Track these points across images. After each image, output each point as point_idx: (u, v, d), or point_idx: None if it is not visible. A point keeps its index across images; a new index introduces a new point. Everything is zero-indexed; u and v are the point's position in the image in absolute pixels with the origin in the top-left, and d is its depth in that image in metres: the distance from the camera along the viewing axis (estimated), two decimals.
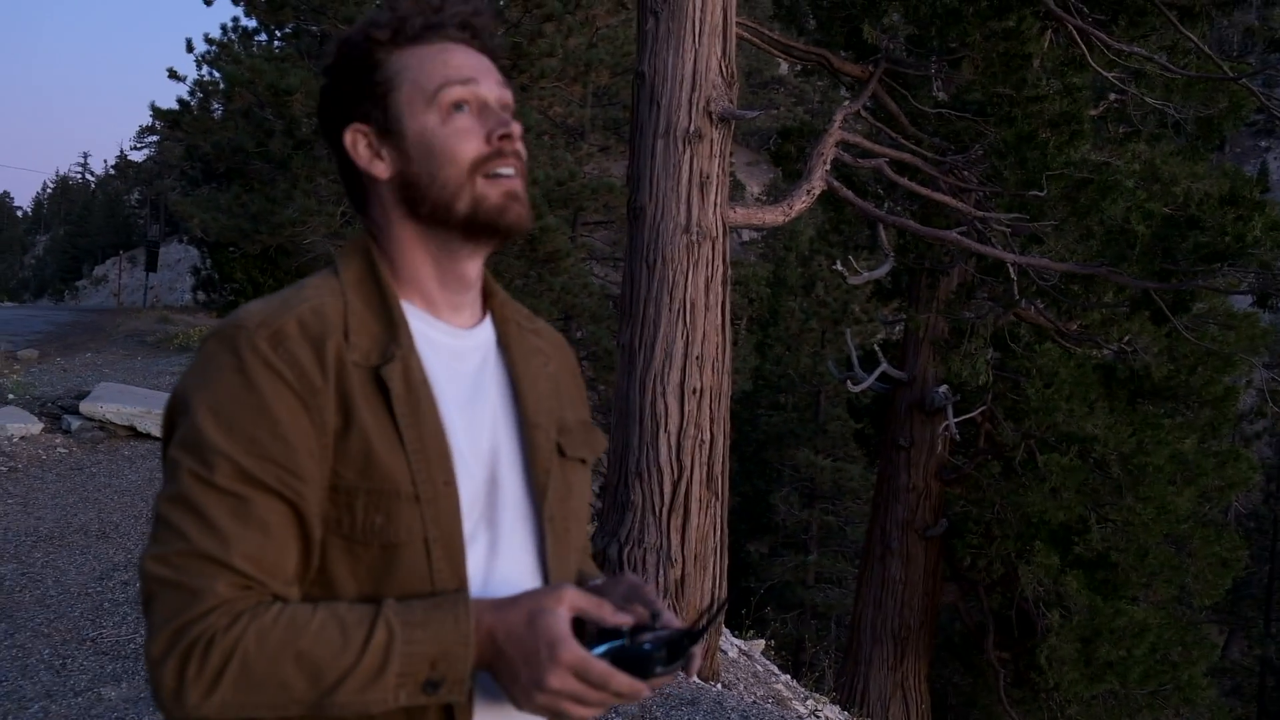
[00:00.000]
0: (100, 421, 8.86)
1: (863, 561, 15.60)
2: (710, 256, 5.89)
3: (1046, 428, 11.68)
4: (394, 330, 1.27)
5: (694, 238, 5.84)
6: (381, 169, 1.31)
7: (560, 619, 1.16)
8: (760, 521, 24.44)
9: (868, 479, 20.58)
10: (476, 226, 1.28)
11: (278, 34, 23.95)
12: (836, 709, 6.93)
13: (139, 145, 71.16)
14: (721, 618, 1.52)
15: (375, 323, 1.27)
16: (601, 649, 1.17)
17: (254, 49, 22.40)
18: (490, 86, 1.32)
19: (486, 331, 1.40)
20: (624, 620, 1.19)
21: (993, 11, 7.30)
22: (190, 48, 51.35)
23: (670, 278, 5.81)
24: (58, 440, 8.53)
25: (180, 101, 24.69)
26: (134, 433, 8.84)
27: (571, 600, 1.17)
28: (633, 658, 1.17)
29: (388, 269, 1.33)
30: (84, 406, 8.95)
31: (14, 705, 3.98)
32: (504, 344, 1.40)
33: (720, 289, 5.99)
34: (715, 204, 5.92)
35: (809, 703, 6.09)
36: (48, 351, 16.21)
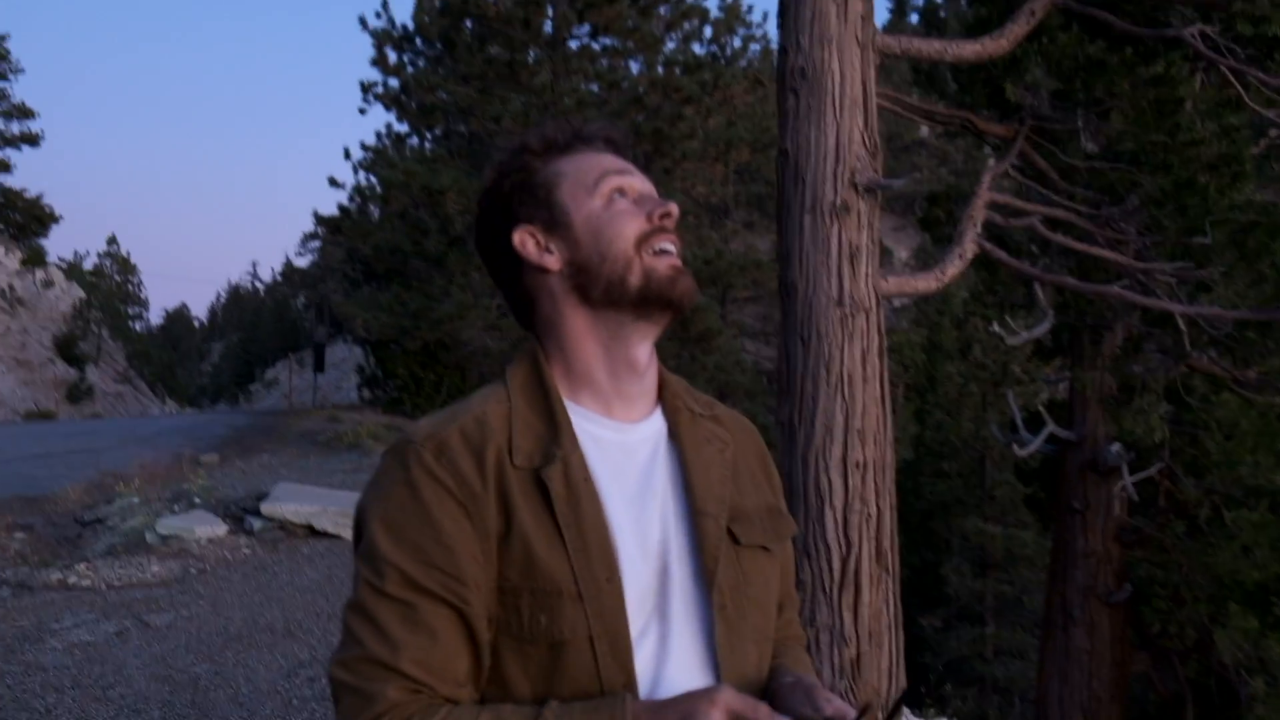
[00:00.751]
0: (280, 521, 9.18)
1: (1044, 632, 15.03)
2: (865, 328, 5.84)
3: (1232, 482, 11.15)
4: (556, 431, 1.30)
5: (847, 310, 5.81)
6: (552, 261, 1.37)
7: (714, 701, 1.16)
8: (932, 594, 23.78)
9: (1042, 545, 19.89)
10: (649, 300, 1.32)
11: (428, 136, 24.82)
12: None
13: (303, 251, 74.15)
14: (900, 715, 1.41)
15: (539, 425, 1.31)
16: None
17: (407, 152, 23.22)
18: (642, 180, 1.40)
19: (657, 423, 1.40)
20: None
21: (1139, 59, 7.15)
22: (348, 155, 53.45)
23: (826, 352, 5.77)
24: (241, 541, 8.86)
25: (340, 207, 25.77)
26: (311, 531, 9.12)
27: (726, 702, 1.15)
28: None
29: (558, 370, 1.37)
30: (264, 507, 9.29)
31: None
32: (674, 434, 1.39)
33: (877, 360, 5.93)
34: (866, 275, 5.89)
35: None
36: (227, 455, 16.87)
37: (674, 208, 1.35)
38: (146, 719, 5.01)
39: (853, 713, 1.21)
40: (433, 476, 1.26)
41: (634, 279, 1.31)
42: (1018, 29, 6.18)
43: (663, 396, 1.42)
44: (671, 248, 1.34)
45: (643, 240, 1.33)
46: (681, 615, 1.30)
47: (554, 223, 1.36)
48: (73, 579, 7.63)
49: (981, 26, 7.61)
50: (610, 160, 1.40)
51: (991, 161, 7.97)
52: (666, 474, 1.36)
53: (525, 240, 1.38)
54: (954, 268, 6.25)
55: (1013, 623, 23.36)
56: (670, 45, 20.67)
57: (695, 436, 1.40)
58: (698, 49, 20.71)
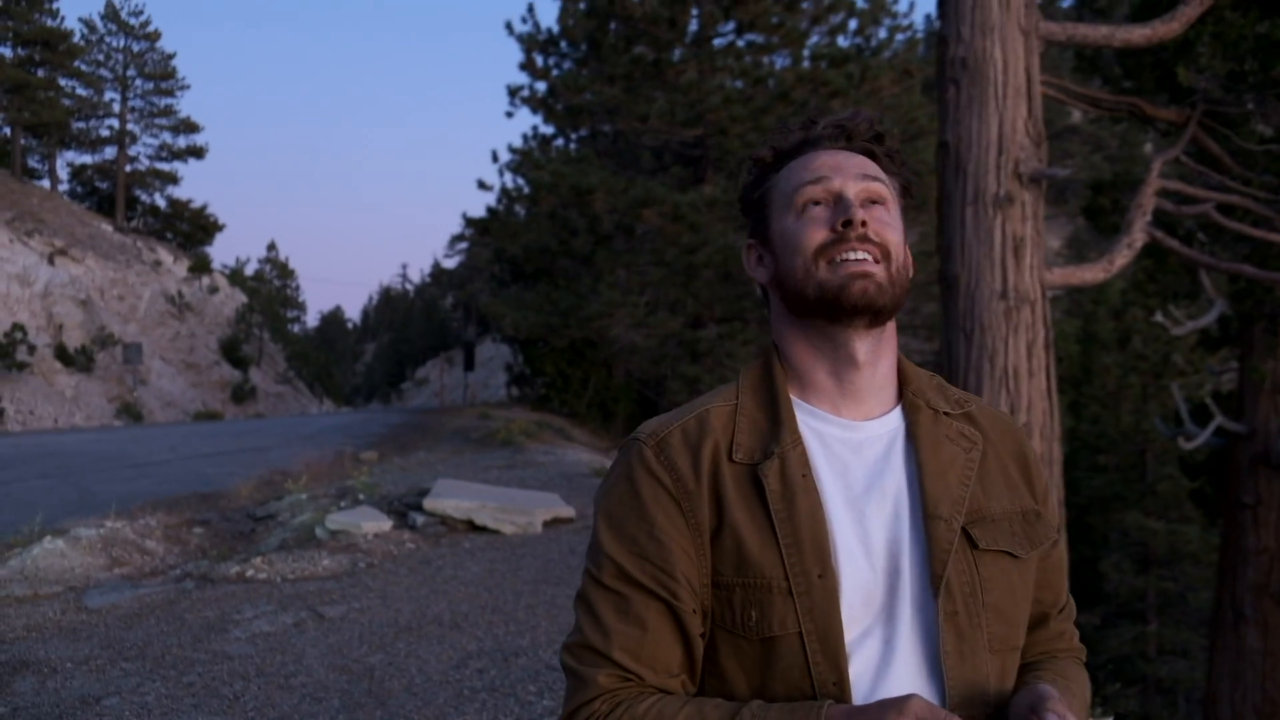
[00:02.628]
0: (441, 516, 9.38)
1: (1213, 631, 14.50)
2: (1030, 321, 5.73)
3: None
4: (778, 428, 1.32)
5: (1011, 303, 5.70)
6: (762, 274, 1.43)
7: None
8: (1090, 591, 23.15)
9: (1208, 541, 19.20)
10: (827, 308, 1.31)
11: (574, 138, 25.08)
12: None
13: (451, 253, 75.65)
14: None
15: (764, 422, 1.34)
16: None
17: (553, 154, 23.49)
18: (849, 181, 1.36)
19: (893, 422, 1.37)
20: None
21: None
22: (495, 158, 54.36)
23: (990, 345, 5.67)
24: (405, 536, 9.07)
25: (489, 209, 26.22)
26: (471, 526, 9.29)
27: (915, 710, 1.13)
28: None
29: (787, 371, 1.39)
30: (427, 503, 9.49)
31: None
32: (911, 433, 1.36)
33: (1043, 353, 5.80)
34: (1031, 267, 5.77)
35: None
36: (385, 452, 17.33)
37: (856, 214, 1.31)
38: (328, 707, 5.17)
39: None
40: (650, 473, 1.32)
41: (810, 290, 1.32)
42: (1190, 11, 5.97)
43: (903, 394, 1.40)
44: (854, 255, 1.30)
45: (820, 251, 1.32)
46: (909, 620, 1.28)
47: (766, 238, 1.41)
48: (250, 572, 7.92)
49: (1150, 10, 7.36)
50: (820, 161, 1.38)
51: (1149, 149, 7.69)
52: (900, 474, 1.33)
53: (748, 254, 1.46)
54: (1122, 257, 6.08)
55: (1177, 621, 22.61)
56: (815, 39, 20.50)
57: (935, 435, 1.36)
58: (843, 42, 20.48)
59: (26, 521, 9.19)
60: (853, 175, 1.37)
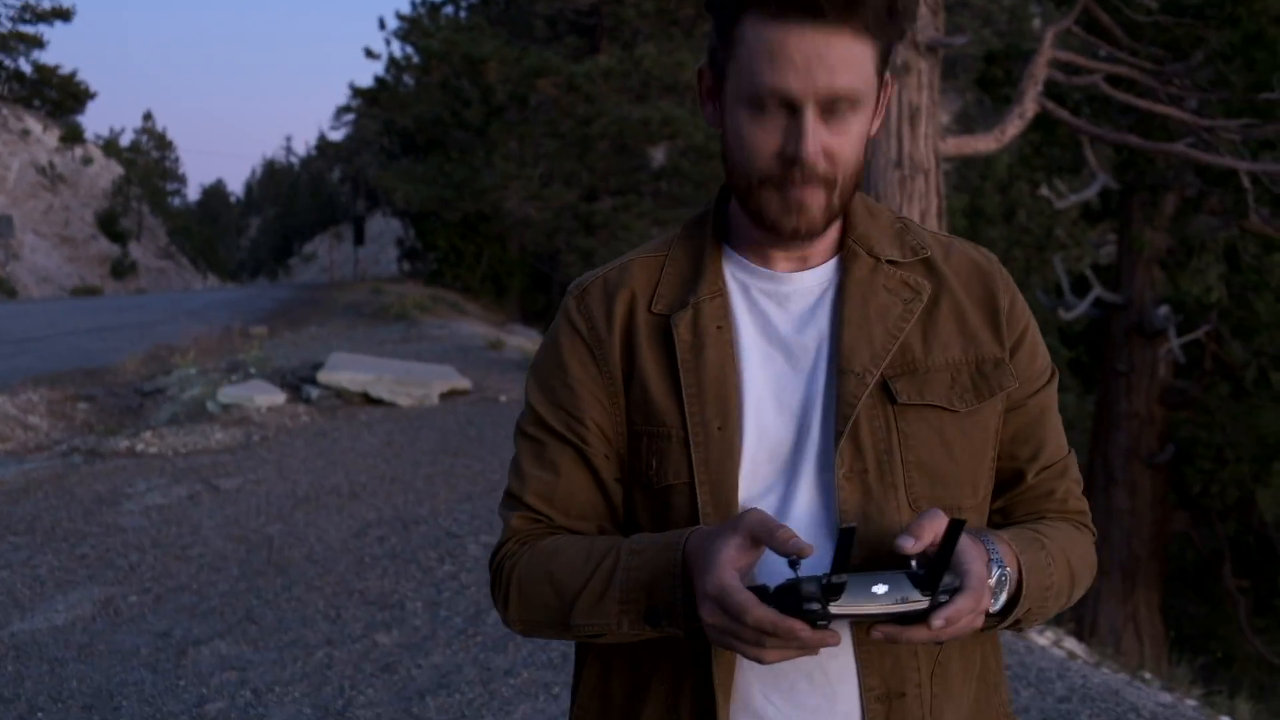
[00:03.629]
0: (336, 389, 9.31)
1: (1085, 492, 15.18)
2: (924, 189, 5.80)
3: None
4: (699, 279, 1.27)
5: (906, 172, 5.76)
6: (710, 115, 1.28)
7: (722, 544, 1.07)
8: None
9: (1084, 408, 19.90)
10: (761, 224, 1.23)
11: (464, 4, 24.43)
12: (1075, 640, 6.80)
13: (338, 125, 73.69)
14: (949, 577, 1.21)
15: (689, 271, 1.29)
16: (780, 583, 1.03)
17: (443, 21, 22.87)
18: (813, 88, 1.15)
19: (828, 273, 1.27)
20: (799, 548, 1.02)
21: None
22: (383, 25, 52.67)
23: None
24: (300, 409, 9.00)
25: (377, 79, 25.52)
26: (367, 399, 9.25)
27: (749, 523, 1.06)
28: (786, 592, 1.02)
29: (722, 219, 1.32)
30: (321, 376, 9.41)
31: (301, 652, 4.26)
32: (842, 284, 1.25)
33: (935, 221, 5.90)
34: (926, 136, 5.82)
35: (1047, 634, 6.01)
36: (276, 327, 17.09)
37: (807, 151, 1.14)
38: (226, 575, 5.18)
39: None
40: (570, 323, 1.31)
41: (750, 204, 1.21)
42: None
43: (844, 243, 1.28)
44: (797, 194, 1.16)
45: (766, 179, 1.18)
46: (810, 476, 1.20)
47: (719, 91, 1.23)
48: (140, 446, 7.81)
49: None
50: (793, 51, 1.13)
51: (1040, 24, 7.77)
52: (824, 326, 1.25)
53: (700, 80, 1.28)
54: (1014, 127, 6.17)
55: None
56: None
57: (868, 286, 1.25)
58: None
59: None
60: (820, 79, 1.14)
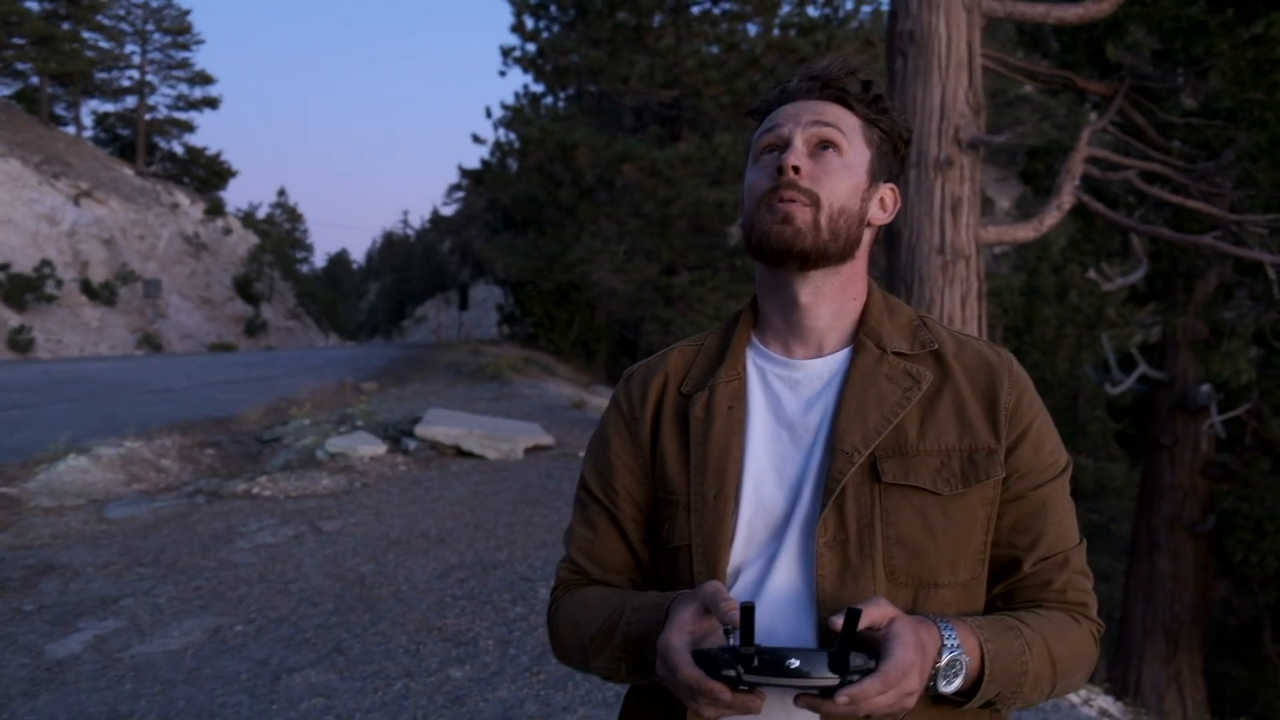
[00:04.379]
0: (431, 442, 9.46)
1: (1130, 558, 14.77)
2: (965, 274, 5.80)
3: None
4: (719, 365, 1.35)
5: (948, 258, 5.77)
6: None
7: (680, 609, 1.14)
8: None
9: (1130, 478, 19.47)
10: (759, 250, 1.30)
11: (562, 96, 24.87)
12: (1110, 699, 6.60)
13: (449, 201, 75.12)
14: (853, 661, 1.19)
15: (716, 358, 1.37)
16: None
17: (541, 111, 23.30)
18: (799, 127, 1.30)
19: (838, 361, 1.32)
20: (732, 620, 1.07)
21: (1239, 20, 6.86)
22: (489, 114, 53.76)
23: (928, 295, 5.75)
24: (399, 459, 9.15)
25: (483, 161, 26.03)
26: (459, 451, 9.38)
27: (703, 595, 1.12)
28: (705, 657, 1.08)
29: (753, 313, 1.39)
30: (418, 430, 9.56)
31: (381, 682, 4.33)
32: (849, 372, 1.29)
33: (976, 304, 5.88)
34: (967, 225, 5.83)
35: (1080, 693, 5.86)
36: (384, 383, 17.34)
37: (788, 160, 1.26)
38: (322, 609, 5.28)
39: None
40: (616, 402, 1.43)
41: (753, 235, 1.29)
42: None
43: (857, 335, 1.33)
44: (781, 202, 1.25)
45: (763, 198, 1.28)
46: (794, 544, 1.23)
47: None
48: (256, 489, 7.99)
49: None
50: (785, 111, 1.32)
51: (1092, 117, 7.75)
52: (827, 410, 1.28)
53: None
54: (1051, 218, 6.14)
55: (1100, 548, 22.98)
56: (787, 9, 20.33)
57: (870, 374, 1.28)
58: (812, 12, 20.33)
59: (53, 441, 9.23)
60: (805, 121, 1.30)
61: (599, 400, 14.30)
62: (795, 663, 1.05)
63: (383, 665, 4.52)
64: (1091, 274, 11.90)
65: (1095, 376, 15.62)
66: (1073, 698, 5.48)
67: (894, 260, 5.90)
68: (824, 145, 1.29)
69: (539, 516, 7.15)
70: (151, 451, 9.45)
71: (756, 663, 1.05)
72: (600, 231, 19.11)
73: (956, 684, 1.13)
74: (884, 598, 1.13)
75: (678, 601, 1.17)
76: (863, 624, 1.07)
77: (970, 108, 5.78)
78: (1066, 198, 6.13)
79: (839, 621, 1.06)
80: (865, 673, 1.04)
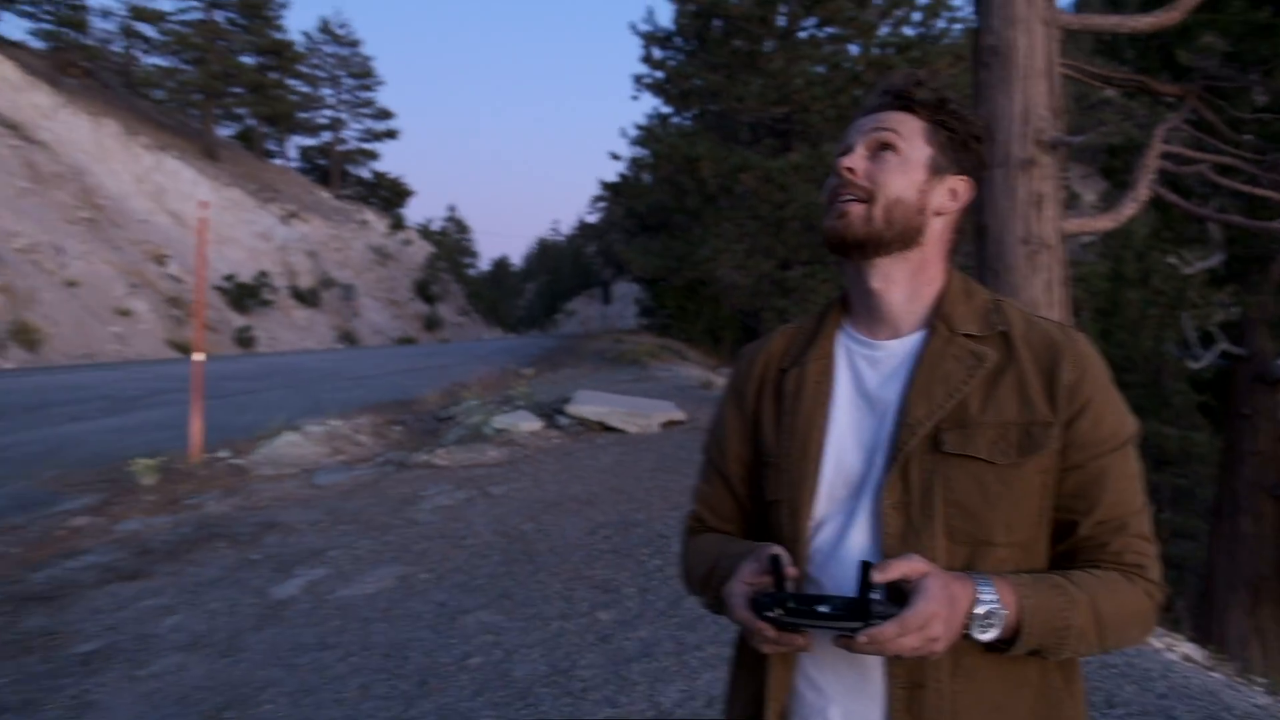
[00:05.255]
0: (580, 419, 9.60)
1: (1214, 519, 14.07)
2: (1048, 262, 5.61)
3: None
4: (810, 344, 1.37)
5: (1033, 247, 5.60)
6: None
7: (746, 564, 1.21)
8: None
9: (1213, 445, 18.52)
10: (827, 246, 1.34)
11: (686, 116, 24.83)
12: (1193, 646, 6.32)
13: (592, 211, 75.76)
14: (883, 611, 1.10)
15: (810, 340, 1.38)
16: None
17: (669, 129, 23.29)
18: (860, 134, 1.33)
19: (913, 342, 1.31)
20: (758, 581, 1.17)
21: None
22: (624, 134, 54.00)
23: (1013, 283, 5.59)
24: (553, 434, 9.32)
25: (620, 175, 26.28)
26: (604, 426, 9.50)
27: (763, 553, 1.19)
28: (753, 601, 1.15)
29: (845, 301, 1.40)
30: (569, 408, 9.71)
31: (540, 622, 4.46)
32: (920, 352, 1.29)
33: (1059, 289, 5.69)
34: (1049, 217, 5.64)
35: (1165, 640, 5.63)
36: (540, 369, 17.65)
37: (841, 163, 1.30)
38: (490, 560, 5.44)
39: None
40: (730, 379, 1.48)
41: (822, 233, 1.33)
42: (1187, 1, 5.70)
43: (936, 316, 1.31)
44: (839, 199, 1.29)
45: (829, 199, 1.32)
46: (867, 504, 1.24)
47: None
48: (434, 460, 8.25)
49: (1156, 1, 7.04)
50: (858, 124, 1.35)
51: (1167, 116, 7.39)
52: (899, 385, 1.28)
53: None
54: (1129, 210, 5.89)
55: (1186, 510, 21.97)
56: (885, 30, 19.87)
57: (939, 354, 1.27)
58: (908, 32, 19.80)
59: (272, 420, 9.71)
60: (866, 129, 1.32)
61: (724, 381, 14.28)
62: (824, 608, 1.09)
63: (541, 608, 4.65)
64: (1172, 259, 11.34)
65: (1177, 353, 14.94)
66: (1156, 643, 5.28)
67: (982, 251, 5.75)
68: (882, 147, 1.31)
69: (673, 482, 7.21)
70: (350, 428, 9.85)
71: (792, 605, 1.11)
72: (722, 233, 19.02)
73: (992, 634, 1.13)
74: (918, 555, 1.15)
75: (746, 558, 1.23)
76: (894, 576, 1.11)
77: (1050, 112, 5.59)
78: (1142, 191, 5.87)
79: (878, 574, 1.10)
80: (886, 618, 1.07)
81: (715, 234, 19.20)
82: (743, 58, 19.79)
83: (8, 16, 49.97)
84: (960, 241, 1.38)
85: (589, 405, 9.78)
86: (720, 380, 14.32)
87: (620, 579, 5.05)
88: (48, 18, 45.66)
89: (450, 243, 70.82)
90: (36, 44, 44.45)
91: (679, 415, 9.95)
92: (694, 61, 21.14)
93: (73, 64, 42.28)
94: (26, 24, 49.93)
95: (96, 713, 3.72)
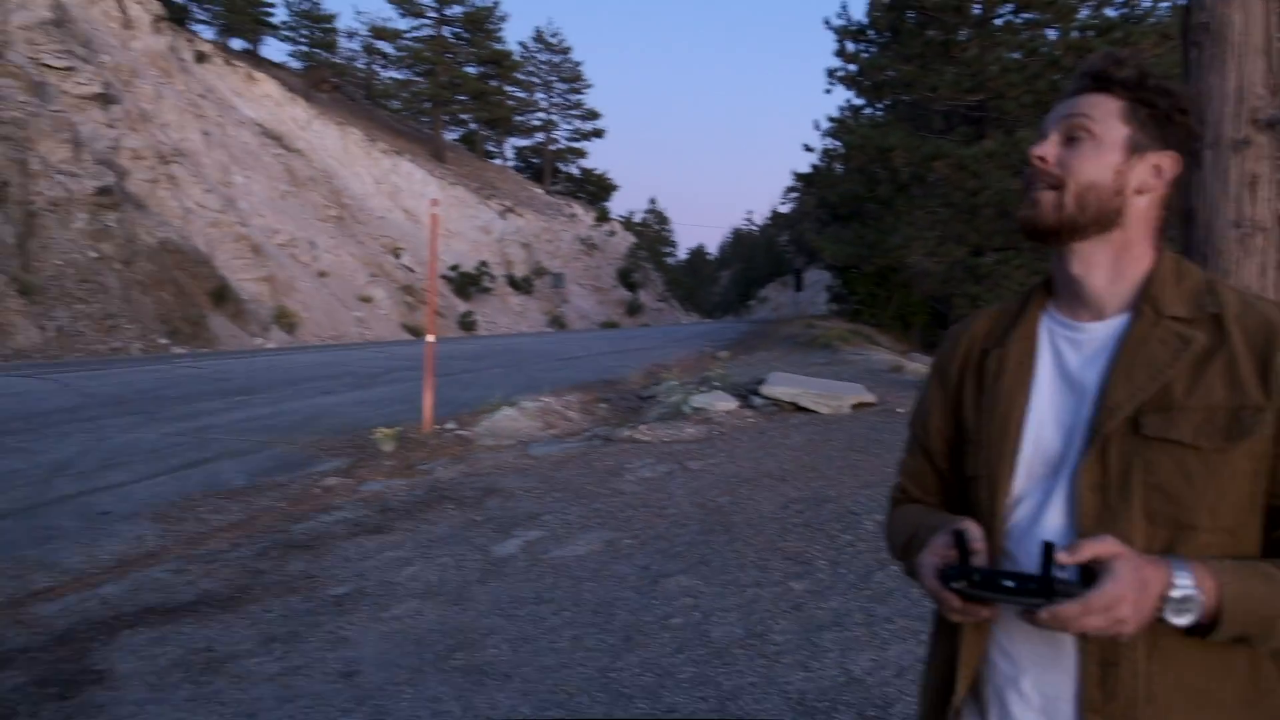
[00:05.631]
0: (773, 399, 9.57)
1: None
2: (1262, 245, 5.13)
3: None
4: (1013, 325, 1.32)
5: (1245, 230, 5.12)
6: None
7: (937, 539, 1.20)
8: None
9: None
10: (1024, 235, 1.30)
11: (878, 107, 24.18)
12: None
13: (785, 201, 74.93)
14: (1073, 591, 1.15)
15: (1013, 323, 1.33)
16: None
17: (862, 120, 22.74)
18: (1054, 123, 1.27)
19: (1117, 325, 1.24)
20: (947, 554, 1.17)
21: None
22: (817, 126, 53.08)
23: (1223, 267, 5.13)
24: (747, 413, 9.33)
25: (813, 166, 25.87)
26: (796, 407, 9.43)
27: (952, 528, 1.18)
28: (942, 573, 1.14)
29: (1049, 284, 1.34)
30: (763, 389, 9.69)
31: (736, 589, 4.49)
32: (1124, 334, 1.22)
33: (1273, 272, 5.19)
34: (1264, 199, 5.14)
35: None
36: (735, 352, 17.69)
37: (1034, 150, 1.26)
38: (689, 529, 5.52)
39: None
40: (935, 357, 1.45)
41: (1018, 222, 1.29)
42: None
43: (1144, 299, 1.24)
44: (1031, 190, 1.25)
45: (1024, 189, 1.27)
46: (1064, 484, 1.19)
47: None
48: (637, 435, 8.43)
49: None
50: (1054, 111, 1.29)
51: None
52: (1101, 368, 1.22)
53: None
54: None
55: None
56: (1084, 13, 18.60)
57: (1143, 337, 1.21)
58: (1110, 13, 18.46)
59: (491, 396, 10.19)
60: (1059, 116, 1.27)
61: (915, 365, 13.86)
62: (1008, 583, 1.08)
63: (736, 575, 4.68)
64: None
65: None
66: None
67: (1190, 235, 5.30)
68: (1075, 133, 1.24)
69: (864, 461, 7.08)
70: (561, 405, 10.20)
71: (977, 578, 1.10)
72: (914, 221, 18.44)
73: (1188, 619, 1.07)
74: (1113, 537, 1.09)
75: (939, 530, 1.22)
76: (1085, 557, 1.07)
77: (1268, 89, 5.09)
78: None
79: (1066, 555, 1.07)
80: (1069, 597, 1.04)
81: (907, 222, 18.65)
82: (936, 47, 19.05)
83: (271, 41, 54.35)
84: (1171, 219, 1.28)
85: (782, 386, 9.72)
86: (912, 365, 13.91)
87: (812, 551, 5.02)
88: (303, 41, 49.37)
89: (650, 233, 71.89)
90: (294, 64, 48.08)
91: (870, 398, 9.74)
92: (887, 53, 20.52)
93: (324, 80, 45.50)
94: (286, 47, 54.03)
95: (349, 647, 4.05)
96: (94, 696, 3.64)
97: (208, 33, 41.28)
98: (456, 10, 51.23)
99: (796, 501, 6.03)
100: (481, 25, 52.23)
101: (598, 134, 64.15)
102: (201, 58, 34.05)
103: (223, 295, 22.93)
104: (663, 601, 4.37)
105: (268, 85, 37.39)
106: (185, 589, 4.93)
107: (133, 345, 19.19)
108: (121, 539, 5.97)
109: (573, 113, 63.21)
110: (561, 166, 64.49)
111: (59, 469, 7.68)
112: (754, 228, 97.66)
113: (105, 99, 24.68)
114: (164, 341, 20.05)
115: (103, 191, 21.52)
